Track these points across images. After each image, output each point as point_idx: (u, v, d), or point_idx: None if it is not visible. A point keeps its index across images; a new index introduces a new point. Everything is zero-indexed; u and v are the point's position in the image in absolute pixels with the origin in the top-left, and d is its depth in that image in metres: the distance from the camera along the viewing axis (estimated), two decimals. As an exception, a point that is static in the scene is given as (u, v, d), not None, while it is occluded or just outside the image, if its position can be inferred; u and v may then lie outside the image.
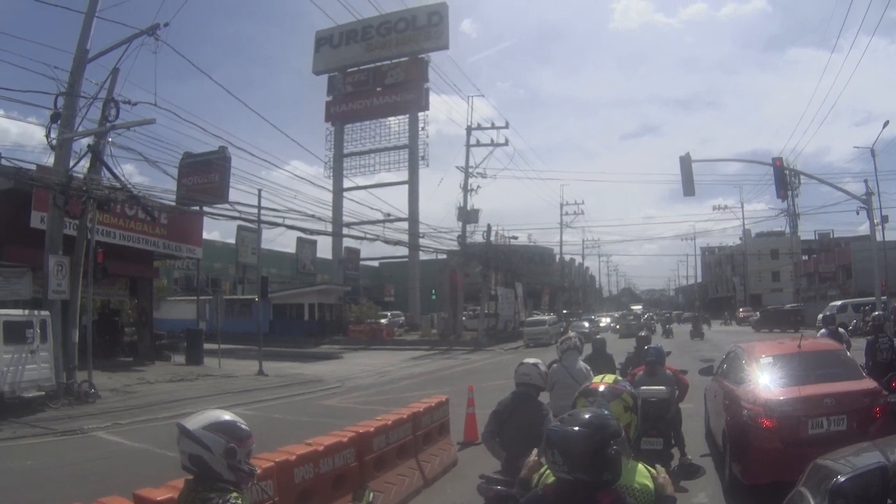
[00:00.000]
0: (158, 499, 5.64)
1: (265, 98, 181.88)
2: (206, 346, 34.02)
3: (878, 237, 42.36)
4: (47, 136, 21.26)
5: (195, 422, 3.62)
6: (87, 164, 22.50)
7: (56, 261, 20.69)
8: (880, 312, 16.71)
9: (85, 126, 22.39)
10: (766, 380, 9.82)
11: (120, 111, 22.18)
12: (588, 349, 12.77)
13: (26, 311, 20.15)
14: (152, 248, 31.71)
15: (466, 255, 56.49)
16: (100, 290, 28.41)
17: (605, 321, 69.42)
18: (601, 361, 12.28)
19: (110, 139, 22.62)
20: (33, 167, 22.87)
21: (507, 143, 55.33)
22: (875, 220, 39.20)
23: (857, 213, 38.09)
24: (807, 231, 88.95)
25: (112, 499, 5.76)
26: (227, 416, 3.69)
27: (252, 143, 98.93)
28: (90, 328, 22.99)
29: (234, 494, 3.46)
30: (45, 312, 20.20)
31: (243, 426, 3.68)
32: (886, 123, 45.46)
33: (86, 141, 22.76)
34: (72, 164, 21.85)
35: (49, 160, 22.19)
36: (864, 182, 42.50)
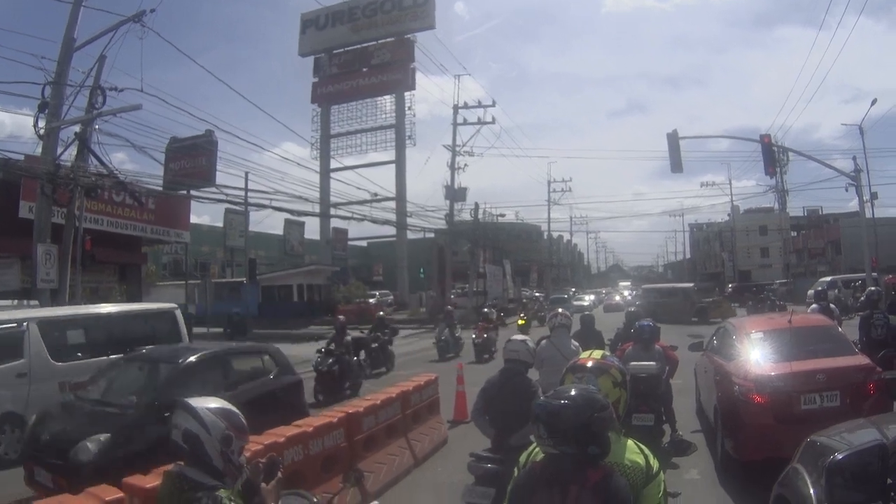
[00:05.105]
0: (147, 486, 5.60)
1: (252, 81, 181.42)
2: (196, 329, 33.88)
3: (868, 214, 42.38)
4: (35, 125, 21.24)
5: (199, 401, 3.65)
6: (75, 152, 22.40)
7: (44, 249, 20.57)
8: (874, 288, 16.63)
9: (72, 114, 22.30)
10: (756, 355, 9.78)
11: (107, 98, 22.16)
12: (577, 324, 12.70)
13: (15, 302, 20.01)
14: (140, 234, 31.78)
15: (454, 233, 56.33)
16: (88, 278, 28.20)
17: (588, 299, 68.25)
18: (590, 338, 12.22)
19: (97, 126, 22.55)
20: (22, 157, 22.85)
21: (494, 121, 55.04)
22: (864, 197, 39.23)
23: (846, 190, 38.18)
24: (795, 207, 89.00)
25: (101, 488, 5.69)
26: (230, 406, 3.72)
27: (239, 127, 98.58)
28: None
29: (223, 492, 3.40)
30: (34, 302, 20.07)
31: (243, 420, 3.69)
32: (874, 101, 45.87)
33: (74, 129, 22.62)
34: (59, 152, 21.76)
35: (39, 150, 22.12)
36: (853, 159, 42.55)
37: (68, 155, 22.20)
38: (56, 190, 21.22)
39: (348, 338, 20.24)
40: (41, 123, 21.12)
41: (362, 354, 22.79)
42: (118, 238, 29.77)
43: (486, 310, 35.16)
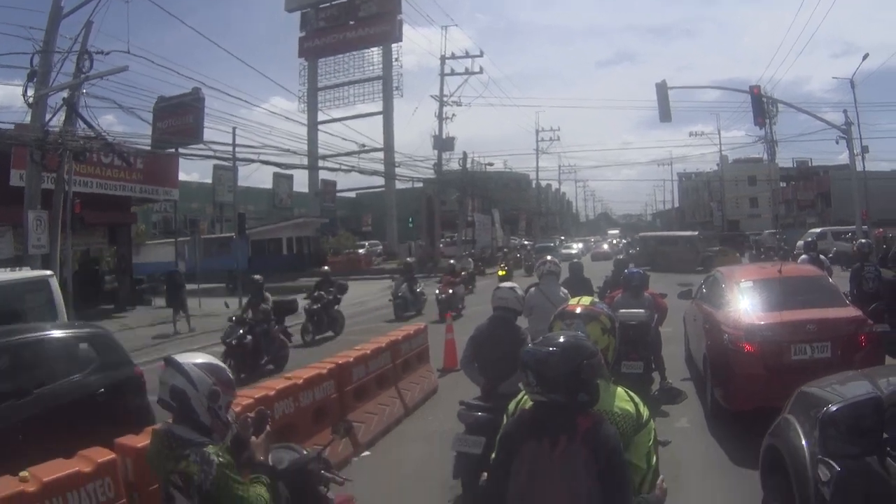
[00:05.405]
0: (138, 446, 5.61)
1: (239, 39, 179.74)
2: (187, 286, 33.83)
3: (859, 167, 42.32)
4: (24, 94, 21.32)
5: (186, 357, 3.65)
6: (64, 118, 22.39)
7: (35, 216, 20.59)
8: (865, 241, 16.61)
9: (61, 81, 22.32)
10: (746, 304, 9.77)
11: (94, 62, 22.21)
12: (565, 272, 12.68)
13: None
14: (129, 194, 31.80)
15: (443, 182, 56.40)
16: (79, 241, 28.24)
17: (576, 247, 67.63)
18: (578, 285, 12.21)
19: (84, 91, 22.60)
20: (12, 127, 23.30)
21: (481, 71, 55.03)
22: (855, 150, 39.13)
23: (837, 143, 37.96)
24: (784, 159, 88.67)
25: (94, 450, 5.68)
26: (217, 361, 3.73)
27: (228, 84, 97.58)
28: (70, 280, 22.78)
29: (211, 448, 3.39)
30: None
31: (231, 375, 3.71)
32: (866, 56, 45.62)
33: (63, 95, 22.62)
34: (48, 118, 21.86)
35: (29, 118, 22.26)
36: (844, 112, 42.48)
37: (58, 121, 22.34)
38: (45, 156, 21.31)
39: (265, 305, 16.72)
40: (30, 92, 21.18)
41: (297, 319, 19.97)
42: (107, 199, 29.88)
43: (452, 262, 32.47)
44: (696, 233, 52.20)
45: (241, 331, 15.68)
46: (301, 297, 21.12)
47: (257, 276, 17.53)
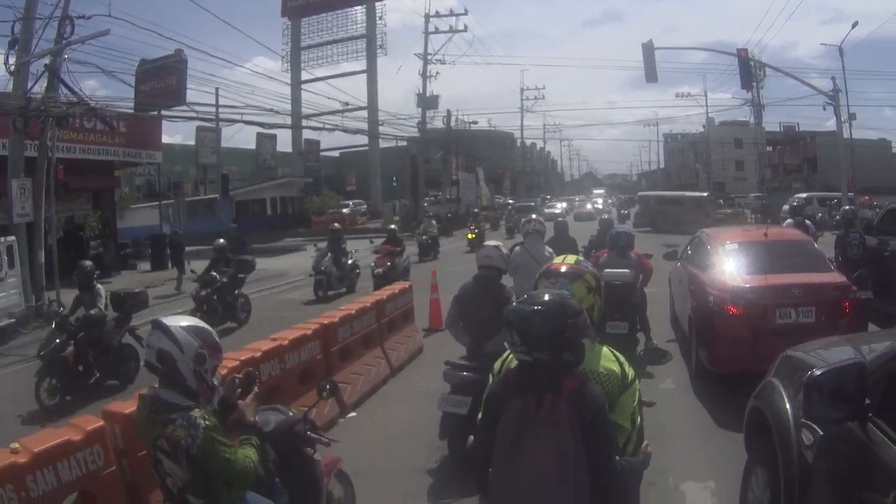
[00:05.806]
0: (126, 412, 5.60)
1: (223, 2, 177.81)
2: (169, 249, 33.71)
3: (846, 134, 42.46)
4: (5, 63, 21.40)
5: (172, 320, 3.66)
6: (46, 84, 22.22)
7: (19, 184, 20.49)
8: (849, 207, 16.63)
9: (42, 47, 22.08)
10: (731, 266, 9.81)
11: (75, 27, 22.02)
12: (550, 232, 12.65)
13: None
14: (112, 158, 31.63)
15: (427, 141, 56.13)
16: (63, 207, 28.03)
17: (560, 207, 66.29)
18: (563, 244, 12.19)
19: (66, 56, 22.49)
20: None
21: (466, 29, 54.45)
22: (842, 117, 39.24)
23: (824, 109, 38.16)
24: (771, 123, 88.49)
25: (82, 418, 5.71)
26: (204, 324, 3.74)
27: (211, 45, 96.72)
28: (55, 247, 22.67)
29: (198, 412, 3.40)
30: (10, 238, 19.81)
31: (217, 339, 3.72)
32: (856, 24, 45.78)
33: (44, 61, 22.48)
34: (30, 85, 21.68)
35: (11, 87, 22.10)
36: (832, 79, 42.53)
37: (40, 87, 22.13)
38: (28, 123, 21.14)
39: (96, 309, 11.83)
40: (12, 60, 21.24)
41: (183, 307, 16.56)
42: (91, 164, 29.73)
43: (392, 226, 26.56)
44: (706, 193, 51.36)
45: (58, 341, 11.13)
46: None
47: (87, 263, 13.11)
